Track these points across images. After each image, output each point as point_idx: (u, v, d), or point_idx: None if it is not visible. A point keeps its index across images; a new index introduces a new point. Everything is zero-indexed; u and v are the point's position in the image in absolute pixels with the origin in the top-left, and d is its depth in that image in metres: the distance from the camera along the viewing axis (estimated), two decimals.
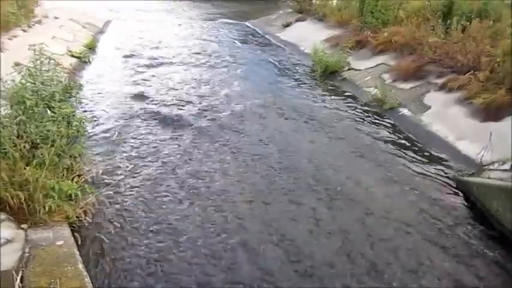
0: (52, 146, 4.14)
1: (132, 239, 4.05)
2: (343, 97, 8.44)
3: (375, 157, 6.00)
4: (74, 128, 4.73)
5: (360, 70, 9.36)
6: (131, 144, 6.00)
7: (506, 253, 4.14)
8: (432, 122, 6.72)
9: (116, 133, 6.26)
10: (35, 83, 4.84)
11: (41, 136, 4.24)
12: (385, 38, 9.58)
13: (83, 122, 5.05)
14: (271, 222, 4.45)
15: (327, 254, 4.02)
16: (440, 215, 4.69)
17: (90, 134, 6.00)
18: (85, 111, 6.66)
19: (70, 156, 4.49)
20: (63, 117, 4.60)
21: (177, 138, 6.30)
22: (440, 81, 7.49)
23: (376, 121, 7.25)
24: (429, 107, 7.09)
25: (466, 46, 7.68)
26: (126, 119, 6.82)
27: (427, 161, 5.90)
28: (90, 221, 4.04)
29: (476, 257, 4.09)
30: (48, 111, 4.58)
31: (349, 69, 9.59)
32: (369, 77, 8.87)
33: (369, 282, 3.71)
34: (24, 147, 4.01)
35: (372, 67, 9.21)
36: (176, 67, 10.06)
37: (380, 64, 9.13)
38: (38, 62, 5.23)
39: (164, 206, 4.62)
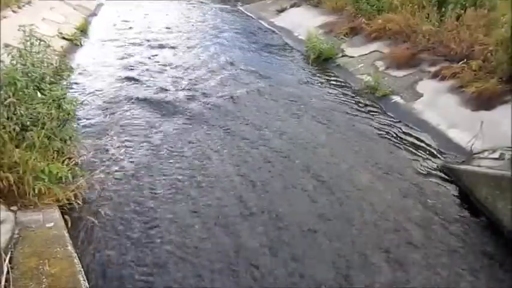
0: (42, 128, 4.11)
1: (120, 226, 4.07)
2: (335, 84, 8.41)
3: (363, 143, 6.02)
4: (65, 111, 4.68)
5: (353, 57, 9.33)
6: (122, 126, 5.99)
7: None
8: (424, 110, 6.74)
9: (107, 116, 6.23)
10: (25, 65, 4.78)
11: (31, 118, 4.20)
12: (379, 25, 9.53)
13: (74, 105, 4.99)
14: None
15: None
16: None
17: (81, 117, 5.96)
18: (76, 93, 6.59)
19: (60, 139, 4.45)
20: (53, 100, 4.55)
21: (168, 121, 6.29)
22: (433, 69, 7.49)
23: (368, 108, 7.25)
24: (421, 95, 7.10)
25: (460, 35, 7.68)
26: (117, 102, 6.79)
27: (416, 148, 5.93)
28: (81, 203, 4.03)
29: None
30: (39, 94, 4.52)
31: (342, 56, 9.57)
32: (362, 64, 8.85)
33: None
34: (14, 129, 3.97)
35: (365, 54, 9.18)
36: (167, 50, 10.04)
37: (374, 51, 9.11)
38: (28, 43, 5.16)
39: (154, 189, 4.64)
